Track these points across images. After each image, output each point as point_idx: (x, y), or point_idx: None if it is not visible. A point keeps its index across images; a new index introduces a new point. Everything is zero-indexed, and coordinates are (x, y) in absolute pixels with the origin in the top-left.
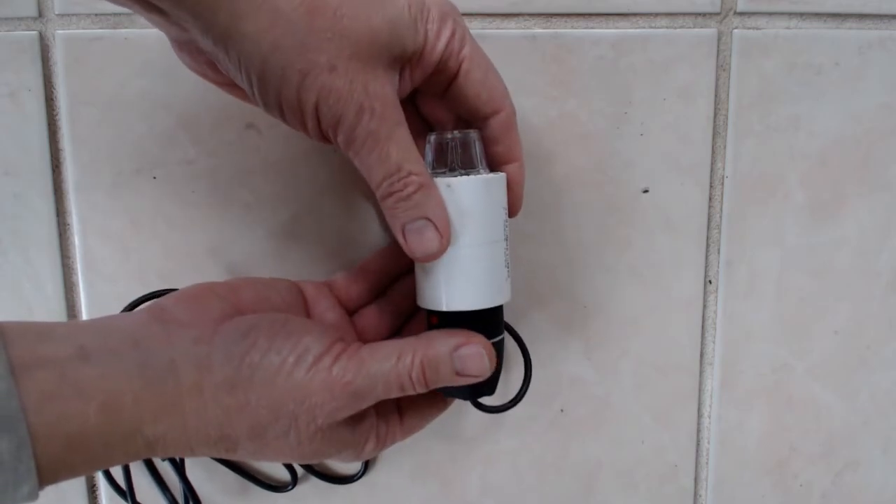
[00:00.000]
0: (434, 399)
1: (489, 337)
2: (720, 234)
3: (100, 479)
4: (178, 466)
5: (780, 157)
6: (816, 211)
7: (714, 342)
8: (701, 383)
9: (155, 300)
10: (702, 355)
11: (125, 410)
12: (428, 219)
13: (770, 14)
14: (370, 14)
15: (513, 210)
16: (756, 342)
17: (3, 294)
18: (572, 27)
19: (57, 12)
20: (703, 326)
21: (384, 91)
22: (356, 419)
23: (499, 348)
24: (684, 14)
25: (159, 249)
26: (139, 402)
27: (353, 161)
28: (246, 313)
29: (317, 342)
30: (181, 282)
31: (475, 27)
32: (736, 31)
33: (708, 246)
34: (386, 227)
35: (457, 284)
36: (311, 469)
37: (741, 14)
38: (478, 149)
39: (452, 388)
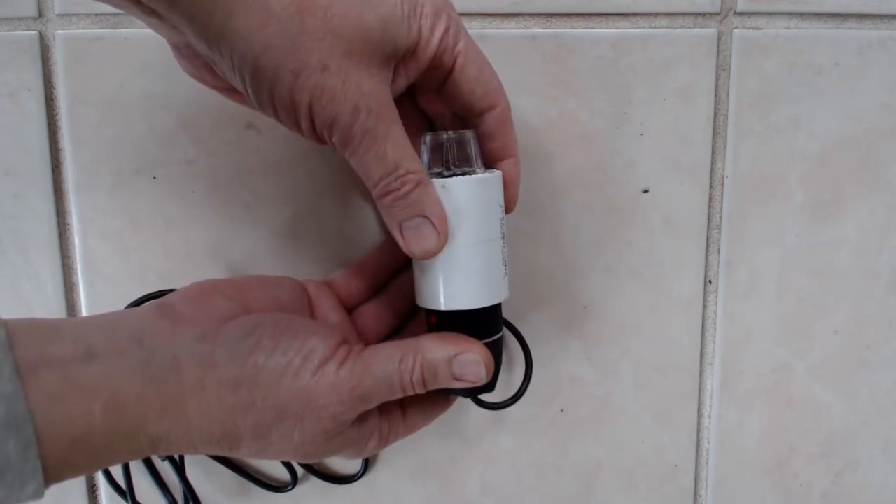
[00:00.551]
0: (437, 398)
1: (488, 335)
2: (720, 234)
3: (100, 478)
4: (178, 466)
5: (780, 157)
6: (816, 211)
7: (714, 342)
8: (701, 383)
9: (163, 297)
10: (702, 355)
11: (128, 409)
12: (425, 216)
13: (770, 14)
14: (362, 12)
15: (509, 206)
16: (756, 342)
17: (3, 294)
18: (572, 27)
19: (57, 12)
20: (703, 326)
21: (378, 89)
22: (360, 419)
23: (497, 346)
24: (684, 14)
25: (159, 249)
26: (142, 400)
27: (349, 160)
28: (254, 312)
29: (322, 344)
30: (181, 282)
31: (475, 27)
32: (736, 31)
33: (708, 246)
34: (384, 226)
35: (454, 284)
36: (311, 469)
37: (741, 14)
38: (473, 148)
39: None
